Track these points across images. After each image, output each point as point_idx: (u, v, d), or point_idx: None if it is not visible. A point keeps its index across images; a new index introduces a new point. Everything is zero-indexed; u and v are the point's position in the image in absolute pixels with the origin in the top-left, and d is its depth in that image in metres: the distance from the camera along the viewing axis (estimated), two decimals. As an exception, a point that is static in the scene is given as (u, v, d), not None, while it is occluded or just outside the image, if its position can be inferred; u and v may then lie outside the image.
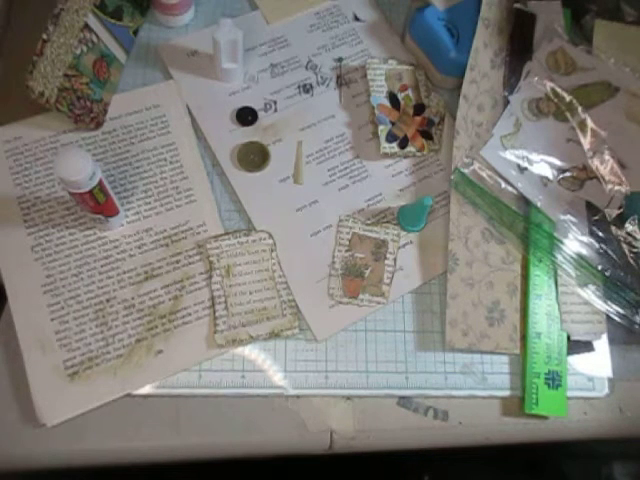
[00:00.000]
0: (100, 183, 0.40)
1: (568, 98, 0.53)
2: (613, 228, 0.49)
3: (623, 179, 0.51)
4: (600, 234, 0.49)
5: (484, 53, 0.53)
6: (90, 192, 0.40)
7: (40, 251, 0.45)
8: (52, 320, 0.44)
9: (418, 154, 0.53)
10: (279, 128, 0.53)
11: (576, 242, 0.49)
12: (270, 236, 0.48)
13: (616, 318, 0.48)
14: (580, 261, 0.48)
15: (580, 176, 0.51)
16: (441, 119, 0.54)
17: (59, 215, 0.47)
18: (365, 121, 0.54)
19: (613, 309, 0.48)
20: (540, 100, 0.53)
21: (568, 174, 0.51)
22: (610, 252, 0.49)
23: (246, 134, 0.52)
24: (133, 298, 0.45)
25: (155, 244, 0.47)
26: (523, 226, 0.49)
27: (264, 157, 0.51)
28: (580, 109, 0.52)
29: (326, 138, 0.53)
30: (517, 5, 0.55)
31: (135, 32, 0.54)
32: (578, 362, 0.47)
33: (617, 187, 0.50)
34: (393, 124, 0.53)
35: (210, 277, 0.46)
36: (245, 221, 0.49)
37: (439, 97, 0.55)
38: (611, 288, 0.48)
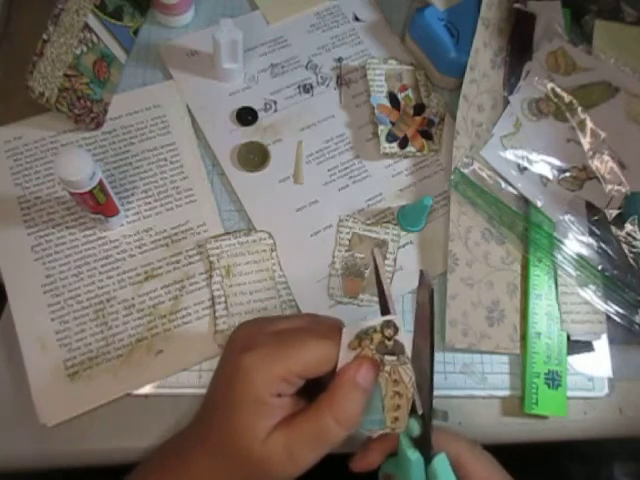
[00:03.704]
0: (100, 183, 0.40)
1: (568, 98, 0.53)
2: (613, 228, 0.49)
3: (623, 179, 0.51)
4: (600, 234, 0.49)
5: (484, 53, 0.53)
6: (90, 192, 0.40)
7: (40, 251, 0.45)
8: (52, 320, 0.44)
9: (418, 154, 0.53)
10: (279, 128, 0.53)
11: (576, 242, 0.49)
12: (270, 236, 0.48)
13: (616, 318, 0.48)
14: (580, 261, 0.48)
15: (580, 176, 0.51)
16: (441, 119, 0.54)
17: (59, 215, 0.47)
18: (365, 121, 0.54)
19: (613, 309, 0.48)
20: (540, 100, 0.53)
21: (568, 174, 0.51)
22: (610, 252, 0.49)
23: (246, 134, 0.52)
24: (133, 298, 0.45)
25: (155, 244, 0.47)
26: (523, 226, 0.49)
27: (264, 157, 0.51)
28: (580, 109, 0.52)
29: (326, 138, 0.53)
30: (517, 5, 0.55)
31: (135, 32, 0.55)
32: (578, 362, 0.47)
33: (617, 187, 0.50)
34: (393, 124, 0.53)
35: (210, 277, 0.46)
36: (245, 221, 0.49)
37: (439, 97, 0.55)
38: (611, 288, 0.48)
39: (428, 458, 0.33)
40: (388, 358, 0.32)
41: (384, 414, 0.33)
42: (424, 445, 0.34)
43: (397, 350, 0.32)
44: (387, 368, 0.32)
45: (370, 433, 0.33)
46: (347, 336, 0.32)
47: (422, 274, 0.32)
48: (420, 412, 0.33)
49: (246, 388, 0.32)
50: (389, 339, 0.32)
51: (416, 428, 0.34)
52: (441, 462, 0.33)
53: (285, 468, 0.32)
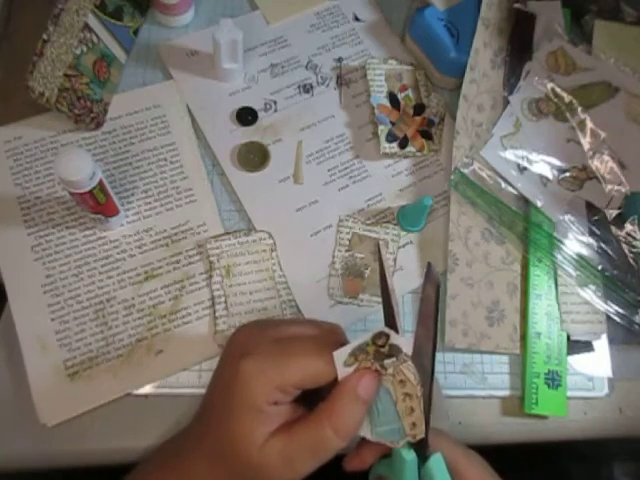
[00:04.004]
0: (100, 183, 0.40)
1: (568, 98, 0.53)
2: (613, 228, 0.50)
3: (623, 179, 0.51)
4: (600, 234, 0.49)
5: (484, 53, 0.53)
6: (90, 192, 0.40)
7: (40, 251, 0.45)
8: (52, 320, 0.44)
9: (418, 154, 0.53)
10: (279, 128, 0.53)
11: (576, 242, 0.49)
12: (270, 236, 0.48)
13: (616, 318, 0.48)
14: (580, 261, 0.48)
15: (580, 176, 0.51)
16: (441, 119, 0.54)
17: (59, 215, 0.47)
18: (365, 121, 0.54)
19: (613, 309, 0.48)
20: (540, 100, 0.53)
21: (568, 174, 0.51)
22: (610, 252, 0.49)
23: (246, 134, 0.52)
24: (133, 298, 0.45)
25: (155, 244, 0.47)
26: (523, 226, 0.49)
27: (264, 157, 0.51)
28: (580, 109, 0.52)
29: (326, 138, 0.53)
30: (517, 5, 0.55)
31: (135, 32, 0.55)
32: (578, 362, 0.47)
33: (617, 187, 0.50)
34: (393, 124, 0.53)
35: (210, 277, 0.46)
36: (245, 221, 0.49)
37: (439, 97, 0.55)
38: (611, 288, 0.48)
39: (424, 458, 0.33)
40: (388, 361, 0.32)
41: (401, 421, 0.33)
42: (420, 444, 0.33)
43: (394, 351, 0.32)
44: (390, 371, 0.32)
45: (393, 444, 0.33)
46: (340, 357, 0.32)
47: (429, 267, 0.32)
48: None
49: (243, 395, 0.32)
50: (383, 346, 0.32)
51: None
52: (437, 462, 0.33)
53: (282, 475, 0.32)
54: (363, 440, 0.35)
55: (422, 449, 0.33)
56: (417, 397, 0.32)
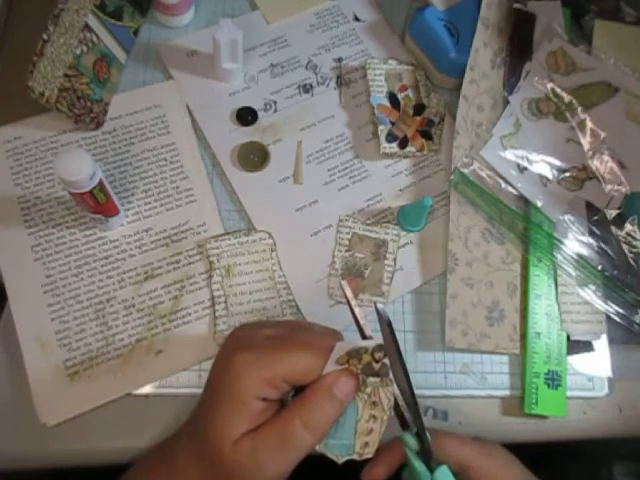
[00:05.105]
0: (100, 183, 0.40)
1: (568, 98, 0.53)
2: (613, 228, 0.50)
3: (623, 179, 0.51)
4: (600, 234, 0.49)
5: (484, 53, 0.53)
6: (90, 192, 0.40)
7: (40, 251, 0.45)
8: (52, 320, 0.44)
9: (418, 154, 0.53)
10: (279, 128, 0.53)
11: (576, 242, 0.49)
12: (270, 236, 0.48)
13: (616, 318, 0.48)
14: (580, 261, 0.48)
15: (580, 176, 0.51)
16: (441, 119, 0.54)
17: (59, 215, 0.47)
18: (365, 121, 0.54)
19: (613, 309, 0.48)
20: (540, 100, 0.53)
21: (568, 174, 0.51)
22: (610, 252, 0.49)
23: (246, 134, 0.52)
24: (133, 298, 0.45)
25: (155, 244, 0.47)
26: (523, 226, 0.49)
27: (264, 157, 0.51)
28: (580, 109, 0.52)
29: (326, 138, 0.53)
30: (517, 5, 0.55)
31: (135, 32, 0.55)
32: (578, 362, 0.47)
33: (617, 187, 0.50)
34: (393, 124, 0.53)
35: (210, 277, 0.46)
36: (245, 221, 0.49)
37: (439, 97, 0.55)
38: (611, 288, 0.48)
39: (431, 469, 0.34)
40: (371, 380, 0.32)
41: (354, 439, 0.33)
42: (426, 455, 0.34)
43: (382, 372, 0.32)
44: (368, 390, 0.32)
45: (336, 459, 0.33)
46: (338, 351, 0.32)
47: (376, 308, 0.32)
48: (414, 430, 0.34)
49: (232, 386, 0.32)
50: (377, 361, 0.32)
51: (413, 443, 0.34)
52: (442, 474, 0.34)
53: (251, 474, 0.31)
54: (380, 451, 0.36)
55: (427, 461, 0.34)
56: (382, 421, 0.32)
